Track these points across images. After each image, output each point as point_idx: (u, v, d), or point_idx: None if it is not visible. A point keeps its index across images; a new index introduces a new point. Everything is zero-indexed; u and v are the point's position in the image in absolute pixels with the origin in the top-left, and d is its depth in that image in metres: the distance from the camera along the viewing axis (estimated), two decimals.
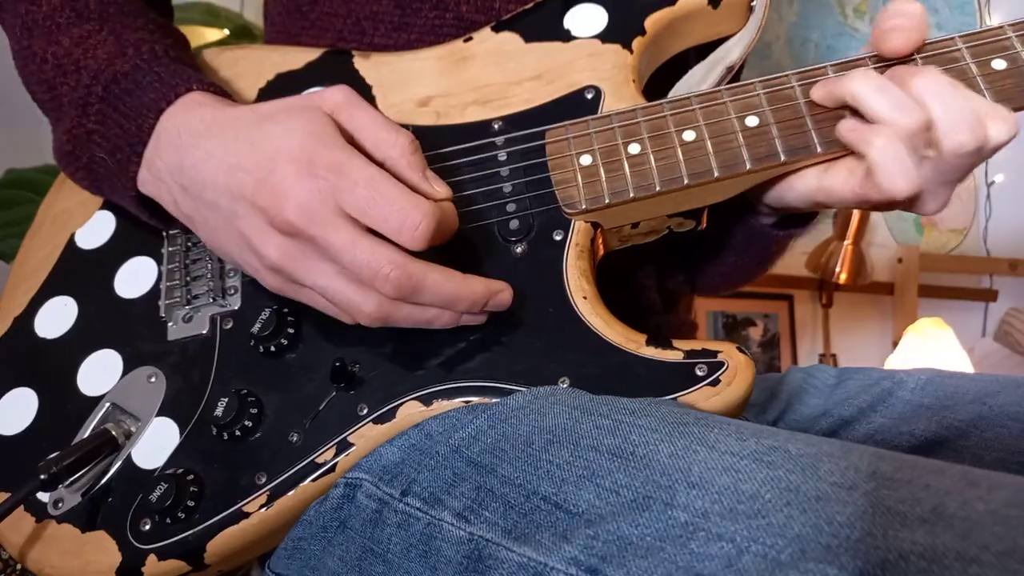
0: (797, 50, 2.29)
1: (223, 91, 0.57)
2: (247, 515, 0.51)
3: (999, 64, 0.52)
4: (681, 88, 0.63)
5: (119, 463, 0.54)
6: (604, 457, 0.43)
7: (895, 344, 2.17)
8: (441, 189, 0.50)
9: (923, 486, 0.36)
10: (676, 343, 0.50)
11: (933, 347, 1.95)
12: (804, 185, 0.56)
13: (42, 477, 0.51)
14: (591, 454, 0.44)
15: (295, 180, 0.46)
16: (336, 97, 0.50)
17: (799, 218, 0.65)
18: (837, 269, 2.10)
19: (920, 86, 0.50)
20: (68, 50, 0.58)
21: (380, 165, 0.49)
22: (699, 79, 0.62)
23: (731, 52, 0.62)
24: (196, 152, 0.51)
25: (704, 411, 0.48)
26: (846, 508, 0.35)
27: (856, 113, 0.52)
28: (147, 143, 0.54)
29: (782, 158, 0.53)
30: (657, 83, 0.63)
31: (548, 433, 0.46)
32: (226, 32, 1.42)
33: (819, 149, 0.53)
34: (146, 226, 0.61)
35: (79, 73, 0.57)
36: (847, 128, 0.52)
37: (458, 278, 0.49)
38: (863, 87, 0.51)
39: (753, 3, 0.62)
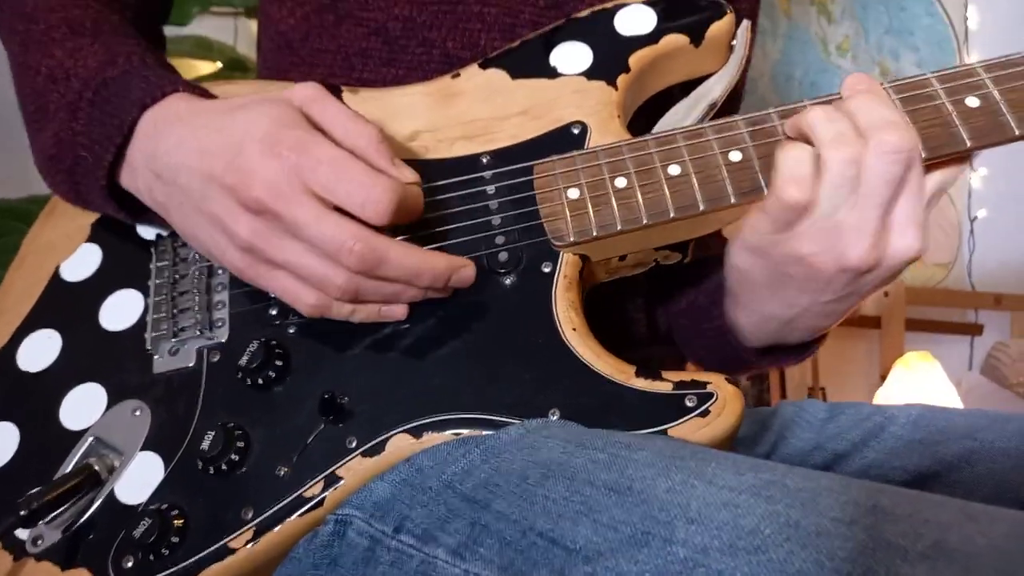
0: (781, 86, 2.33)
1: (209, 94, 0.58)
2: (233, 551, 0.50)
3: (973, 102, 0.53)
4: (665, 123, 0.64)
5: (101, 498, 0.53)
6: (601, 492, 0.43)
7: (883, 377, 2.18)
8: (409, 174, 0.51)
9: (923, 520, 0.36)
10: (665, 374, 0.50)
11: (921, 380, 1.96)
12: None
13: (21, 513, 0.49)
14: (587, 489, 0.43)
15: (260, 159, 0.48)
16: (305, 92, 0.52)
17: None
18: None
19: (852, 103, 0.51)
20: (60, 60, 0.59)
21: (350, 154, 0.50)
22: (682, 115, 0.64)
23: (713, 89, 0.63)
24: (169, 139, 0.53)
25: (696, 444, 0.47)
26: (847, 543, 0.35)
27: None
28: (126, 136, 0.55)
29: (765, 192, 0.54)
30: (641, 119, 0.64)
31: (543, 467, 0.45)
32: (219, 65, 1.43)
33: None
34: (133, 258, 0.61)
35: (69, 81, 0.58)
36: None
37: (419, 252, 0.51)
38: (815, 115, 0.51)
39: (733, 42, 0.63)
